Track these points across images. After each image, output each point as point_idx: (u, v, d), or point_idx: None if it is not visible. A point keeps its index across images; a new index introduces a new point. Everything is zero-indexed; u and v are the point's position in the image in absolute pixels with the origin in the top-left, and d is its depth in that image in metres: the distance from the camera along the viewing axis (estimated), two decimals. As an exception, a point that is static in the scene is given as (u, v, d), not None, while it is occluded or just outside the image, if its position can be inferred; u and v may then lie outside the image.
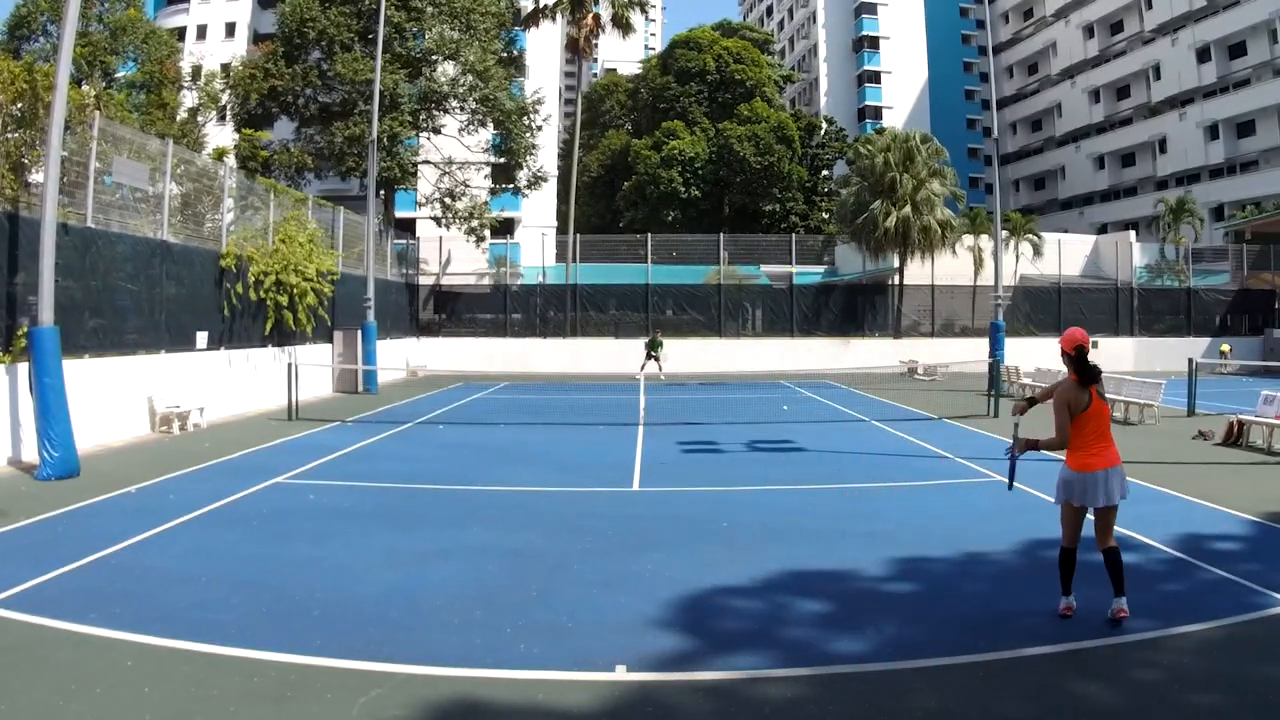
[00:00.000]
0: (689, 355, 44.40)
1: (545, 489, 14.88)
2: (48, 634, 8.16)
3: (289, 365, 25.59)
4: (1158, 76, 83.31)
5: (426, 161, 50.41)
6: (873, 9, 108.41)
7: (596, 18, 58.77)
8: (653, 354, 39.92)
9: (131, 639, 8.01)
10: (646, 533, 11.77)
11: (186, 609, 8.77)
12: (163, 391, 21.84)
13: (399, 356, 41.09)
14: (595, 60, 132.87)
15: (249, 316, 26.75)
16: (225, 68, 51.01)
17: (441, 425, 24.02)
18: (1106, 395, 8.37)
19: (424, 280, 48.95)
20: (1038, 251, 53.49)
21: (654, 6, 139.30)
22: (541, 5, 57.86)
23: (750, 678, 7.33)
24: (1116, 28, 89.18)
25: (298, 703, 6.91)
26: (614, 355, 44.61)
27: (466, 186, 50.55)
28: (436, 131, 49.03)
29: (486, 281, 52.31)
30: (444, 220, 50.10)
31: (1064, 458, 8.50)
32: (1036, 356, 39.69)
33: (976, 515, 12.84)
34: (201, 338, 24.19)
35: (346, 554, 10.71)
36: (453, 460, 17.95)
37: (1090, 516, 8.55)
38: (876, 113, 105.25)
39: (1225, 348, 47.60)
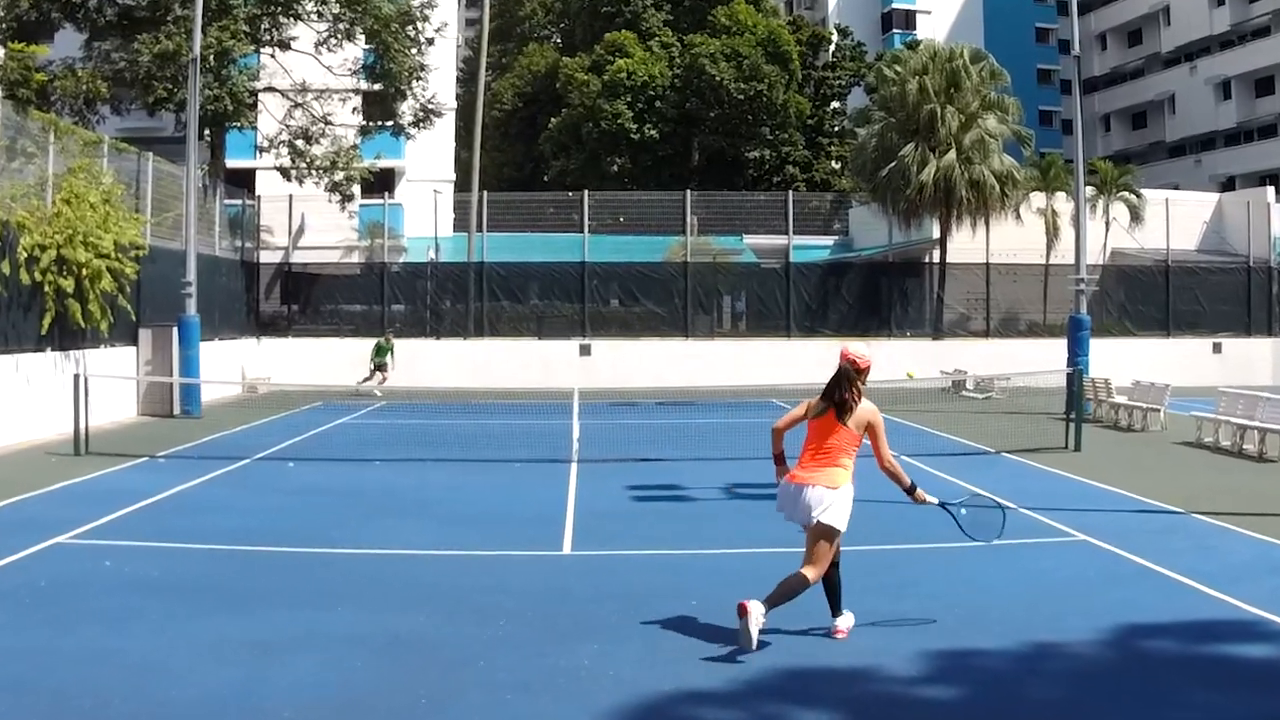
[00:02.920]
0: (643, 363, 44.54)
1: (439, 552, 14.91)
2: None
3: (76, 377, 25.38)
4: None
5: (270, 89, 50.09)
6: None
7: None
8: (378, 360, 40.90)
9: None
10: (582, 614, 11.81)
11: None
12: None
13: (232, 365, 40.85)
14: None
15: (18, 308, 26.52)
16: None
17: (292, 462, 23.88)
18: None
19: (268, 257, 48.78)
20: (1136, 216, 53.96)
21: None
22: None
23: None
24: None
25: None
26: (537, 363, 44.71)
27: (327, 125, 50.24)
28: (284, 47, 48.83)
29: (356, 259, 52.26)
30: (295, 172, 49.83)
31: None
32: (1134, 364, 39.99)
33: (1049, 589, 12.99)
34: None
35: (157, 644, 10.63)
36: (308, 512, 17.91)
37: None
38: (908, 20, 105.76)
39: None
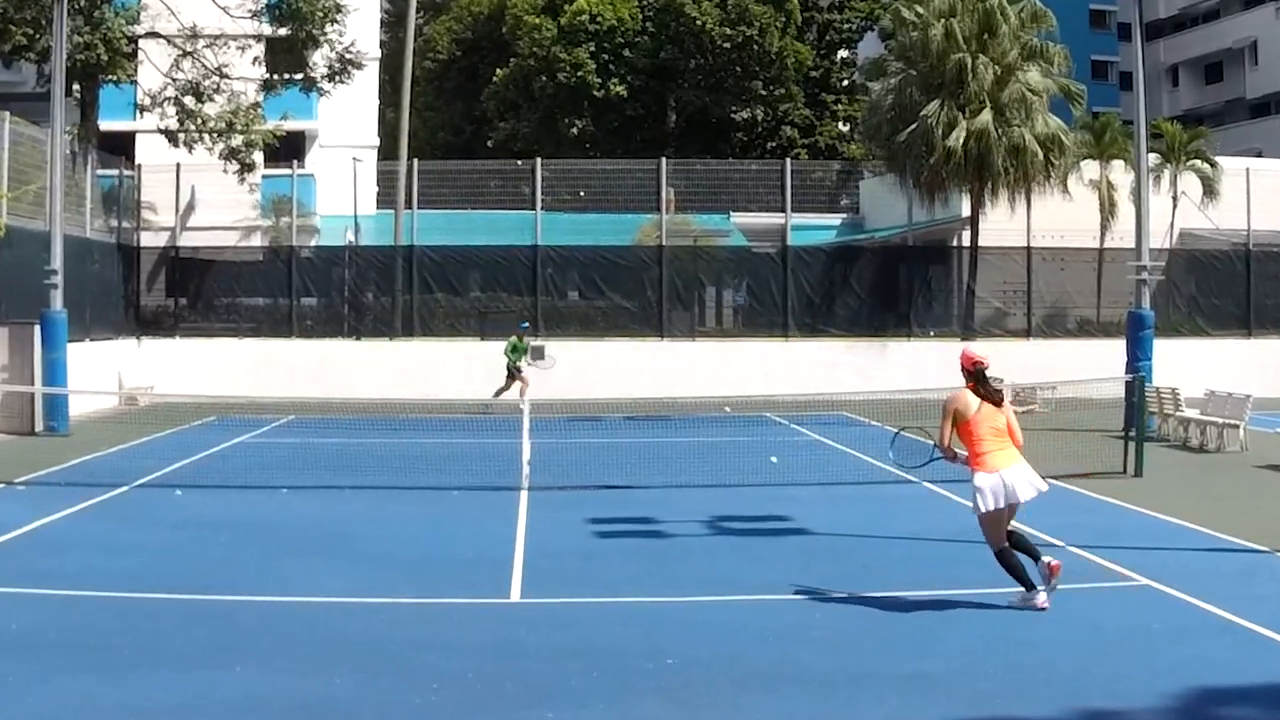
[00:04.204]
0: (608, 368, 44.57)
1: (359, 600, 14.91)
2: None
3: (-91, 386, 25.27)
4: None
5: (154, 35, 49.87)
6: None
7: None
8: (514, 361, 40.51)
9: None
10: (534, 676, 11.79)
11: None
12: None
13: (107, 371, 40.73)
14: None
15: None
16: None
17: (179, 490, 23.82)
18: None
19: (150, 240, 48.71)
20: (1210, 190, 54.04)
21: None
22: None
23: None
24: None
25: None
26: (479, 369, 44.60)
27: (222, 78, 50.03)
28: (171, -20, 48.69)
29: (258, 241, 52.19)
30: (184, 136, 49.64)
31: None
32: (1208, 370, 40.04)
33: (1105, 644, 13.00)
34: None
35: (14, 714, 10.58)
36: (199, 551, 17.86)
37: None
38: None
39: None
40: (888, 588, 15.44)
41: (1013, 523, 14.60)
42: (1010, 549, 14.34)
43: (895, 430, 17.60)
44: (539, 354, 41.39)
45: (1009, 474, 14.12)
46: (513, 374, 41.56)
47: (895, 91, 50.37)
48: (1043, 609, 13.94)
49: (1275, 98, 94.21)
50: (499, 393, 40.67)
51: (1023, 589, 14.18)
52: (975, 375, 14.73)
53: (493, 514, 21.08)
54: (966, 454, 14.55)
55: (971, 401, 14.53)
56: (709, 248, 53.83)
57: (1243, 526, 19.42)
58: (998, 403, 14.59)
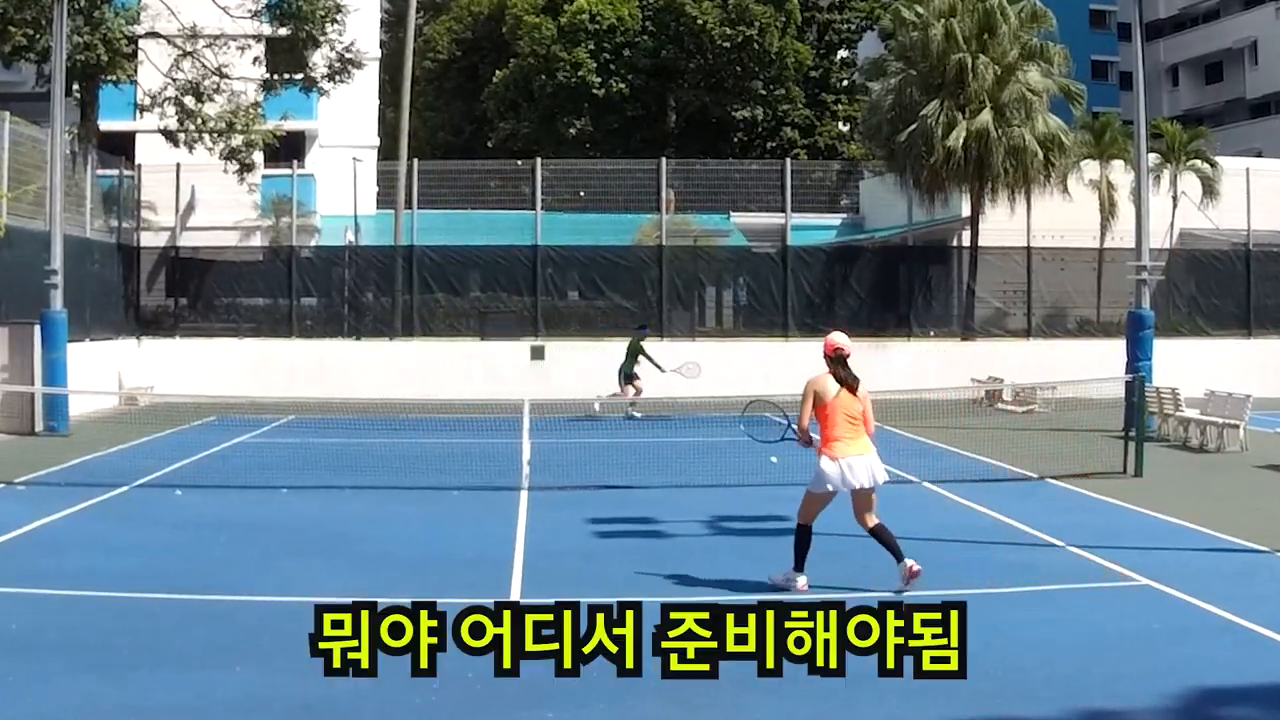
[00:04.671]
0: (607, 368, 44.37)
1: (360, 600, 14.81)
2: None
3: (-91, 387, 25.27)
4: None
5: (154, 35, 49.86)
6: None
7: None
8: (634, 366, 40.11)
9: None
10: (535, 677, 11.76)
11: None
12: None
13: (107, 371, 40.71)
14: None
15: None
16: None
17: (179, 490, 23.84)
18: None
19: (150, 240, 48.69)
20: (1211, 190, 54.12)
21: None
22: None
23: None
24: None
25: None
26: (479, 369, 44.68)
27: (223, 78, 50.02)
28: (171, -20, 48.66)
29: (258, 241, 52.15)
30: (184, 136, 49.61)
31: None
32: (1208, 370, 40.02)
33: (1105, 645, 13.03)
34: None
35: (14, 714, 10.58)
36: (199, 551, 17.87)
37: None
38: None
39: None
40: (888, 588, 15.42)
41: (877, 519, 15.41)
42: (809, 527, 15.47)
43: (747, 401, 19.23)
44: (693, 369, 40.63)
45: (852, 462, 15.08)
46: (630, 379, 40.85)
47: (895, 91, 50.40)
48: (802, 591, 14.90)
49: (1275, 98, 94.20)
50: (615, 395, 40.38)
51: (790, 568, 15.40)
52: (836, 361, 15.73)
53: (493, 514, 21.09)
54: (819, 438, 15.59)
55: (830, 386, 15.54)
56: (709, 248, 53.82)
57: (1243, 526, 19.43)
58: (854, 390, 15.50)
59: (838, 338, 15.96)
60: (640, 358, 41.11)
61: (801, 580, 15.20)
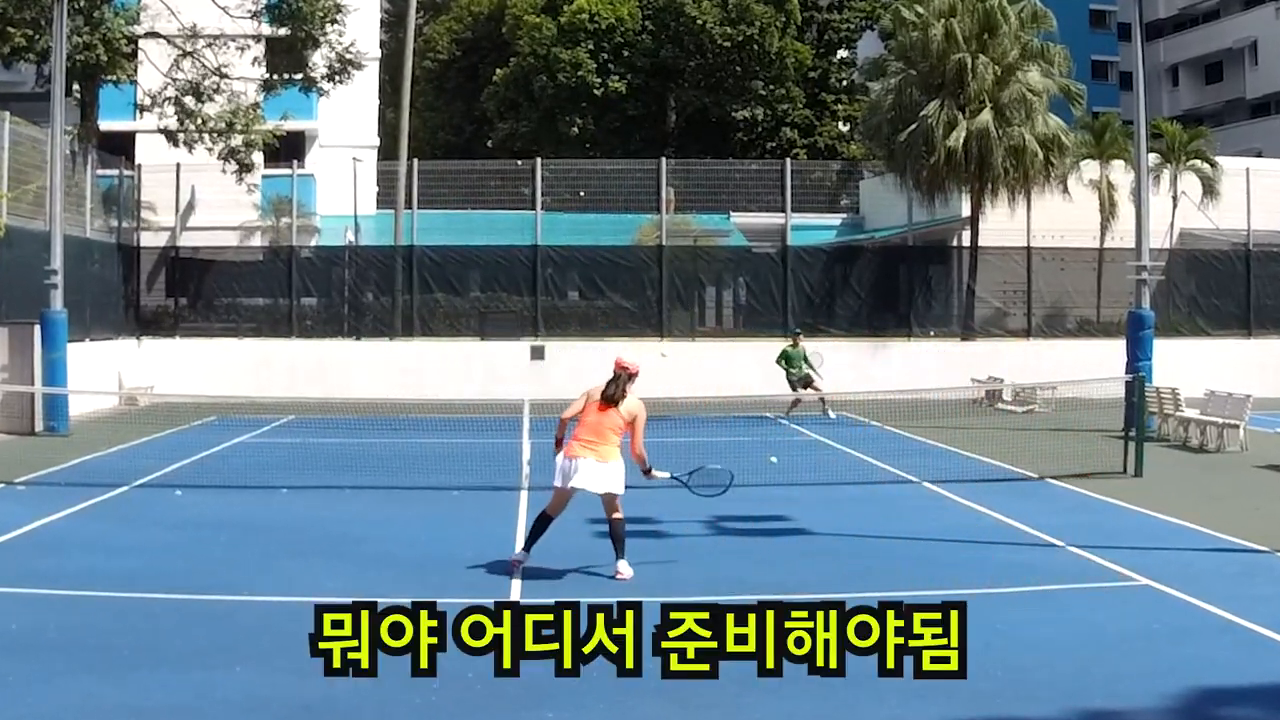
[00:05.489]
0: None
1: (360, 600, 14.80)
2: None
3: (-91, 387, 25.26)
4: None
5: (154, 35, 49.82)
6: None
7: None
8: (795, 373, 39.77)
9: None
10: (535, 677, 11.76)
11: None
12: None
13: (107, 371, 40.70)
14: None
15: None
16: None
17: (180, 490, 23.84)
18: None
19: (150, 240, 48.67)
20: (1211, 190, 53.94)
21: None
22: None
23: None
24: None
25: None
26: (479, 369, 44.68)
27: (222, 78, 49.98)
28: (171, -19, 48.61)
29: (258, 241, 52.11)
30: (184, 136, 49.55)
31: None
32: (1208, 370, 40.00)
33: (1105, 645, 13.03)
34: None
35: (14, 715, 10.58)
36: (199, 551, 17.88)
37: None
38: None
39: None
40: (888, 588, 15.41)
41: (618, 515, 16.29)
42: (550, 518, 16.46)
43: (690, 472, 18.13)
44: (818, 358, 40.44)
45: (580, 464, 16.05)
46: (806, 383, 40.12)
47: (895, 91, 50.37)
48: (515, 564, 16.35)
49: (1275, 98, 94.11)
50: (798, 402, 39.80)
51: (523, 549, 16.60)
52: (614, 377, 16.75)
53: (492, 514, 21.09)
54: (649, 464, 16.89)
55: (594, 395, 16.64)
56: (709, 248, 53.80)
57: (1243, 526, 19.43)
58: (612, 406, 16.42)
59: (626, 357, 17.15)
60: (802, 360, 40.61)
61: (523, 558, 16.42)
